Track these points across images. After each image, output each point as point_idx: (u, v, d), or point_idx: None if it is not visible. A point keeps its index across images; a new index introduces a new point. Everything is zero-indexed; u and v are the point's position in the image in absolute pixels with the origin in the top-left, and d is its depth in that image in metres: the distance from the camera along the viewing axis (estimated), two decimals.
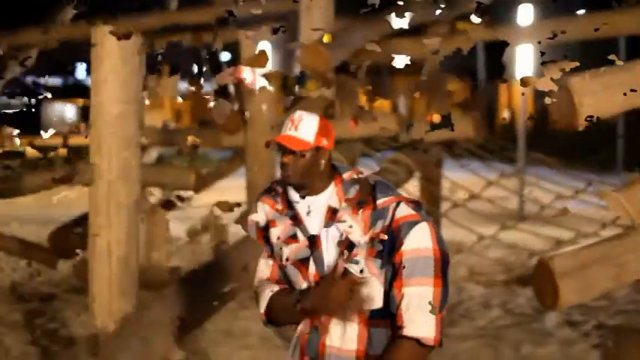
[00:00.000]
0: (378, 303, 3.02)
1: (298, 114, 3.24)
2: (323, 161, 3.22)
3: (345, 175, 3.25)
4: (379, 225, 3.05)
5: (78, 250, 7.32)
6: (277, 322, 3.26)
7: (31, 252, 9.30)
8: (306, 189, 3.24)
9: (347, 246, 3.09)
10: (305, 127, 3.20)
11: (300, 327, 3.18)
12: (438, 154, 8.56)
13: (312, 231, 3.19)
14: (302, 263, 3.17)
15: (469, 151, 8.92)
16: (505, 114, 38.35)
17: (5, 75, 9.83)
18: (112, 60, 4.72)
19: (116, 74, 4.72)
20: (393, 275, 2.99)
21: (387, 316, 3.01)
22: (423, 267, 2.96)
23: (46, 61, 10.92)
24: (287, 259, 3.21)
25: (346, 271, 3.05)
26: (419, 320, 2.94)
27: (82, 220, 6.69)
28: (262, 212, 3.33)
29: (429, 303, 2.93)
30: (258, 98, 7.26)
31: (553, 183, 10.08)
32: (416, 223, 3.01)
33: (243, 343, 7.67)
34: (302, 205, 3.25)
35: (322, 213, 3.18)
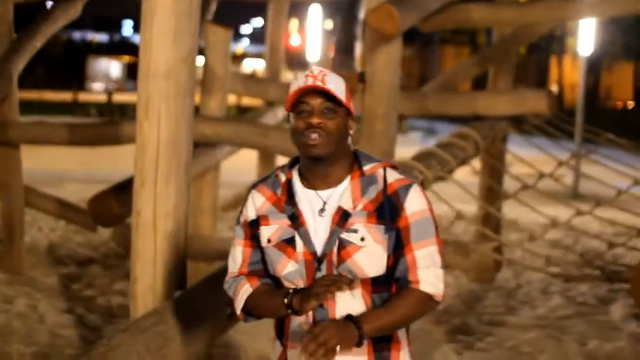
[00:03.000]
0: (381, 269, 2.91)
1: (317, 69, 2.88)
2: (349, 136, 2.94)
3: (367, 168, 2.93)
4: (372, 191, 2.91)
5: (126, 221, 6.86)
6: (258, 316, 2.98)
7: (71, 214, 8.92)
8: (330, 168, 2.89)
9: (341, 216, 2.88)
10: (332, 83, 2.86)
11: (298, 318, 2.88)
12: (504, 129, 7.99)
13: (317, 241, 2.90)
14: (287, 244, 2.91)
15: (537, 128, 8.33)
16: (554, 88, 37.64)
17: (50, 27, 9.37)
18: (164, 15, 4.20)
19: (168, 30, 4.20)
20: (398, 239, 2.91)
21: (390, 281, 2.94)
22: (425, 229, 2.93)
23: (92, 18, 10.45)
24: (269, 241, 2.93)
25: (345, 241, 2.85)
26: (431, 279, 2.92)
27: (125, 186, 6.24)
28: (253, 206, 3.01)
29: (436, 262, 2.94)
30: (380, 59, 6.49)
31: (624, 165, 9.43)
32: (410, 186, 2.95)
33: None
34: (310, 200, 2.93)
35: (331, 215, 2.89)
